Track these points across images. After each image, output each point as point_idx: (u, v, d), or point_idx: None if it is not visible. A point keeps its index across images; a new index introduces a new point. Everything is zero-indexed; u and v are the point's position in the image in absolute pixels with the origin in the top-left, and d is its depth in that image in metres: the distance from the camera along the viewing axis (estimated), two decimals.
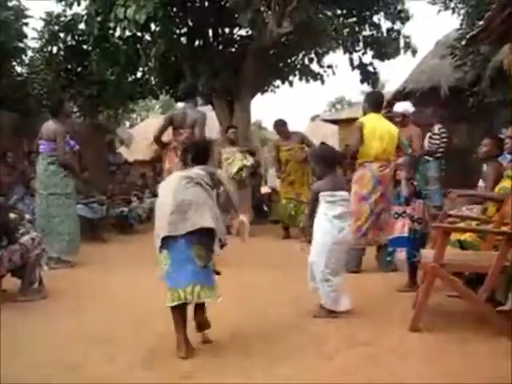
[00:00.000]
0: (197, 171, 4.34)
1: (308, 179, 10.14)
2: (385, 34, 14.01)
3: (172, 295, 4.04)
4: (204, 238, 4.09)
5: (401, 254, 5.96)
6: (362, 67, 14.46)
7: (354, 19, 14.07)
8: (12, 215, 6.71)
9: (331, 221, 5.05)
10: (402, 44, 13.98)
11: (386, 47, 13.91)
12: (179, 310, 4.07)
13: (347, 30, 13.96)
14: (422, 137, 9.43)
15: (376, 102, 7.28)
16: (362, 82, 14.66)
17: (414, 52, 13.98)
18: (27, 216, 8.59)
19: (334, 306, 5.04)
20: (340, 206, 5.11)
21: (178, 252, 4.06)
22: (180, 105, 10.22)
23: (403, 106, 8.38)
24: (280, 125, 10.38)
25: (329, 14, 13.62)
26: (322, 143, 15.14)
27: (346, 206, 5.20)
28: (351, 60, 14.49)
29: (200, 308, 4.30)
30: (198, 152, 4.69)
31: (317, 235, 5.10)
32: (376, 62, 14.58)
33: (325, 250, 5.02)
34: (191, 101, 7.85)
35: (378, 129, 6.96)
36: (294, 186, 10.16)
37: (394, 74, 59.53)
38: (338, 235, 5.05)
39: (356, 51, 14.41)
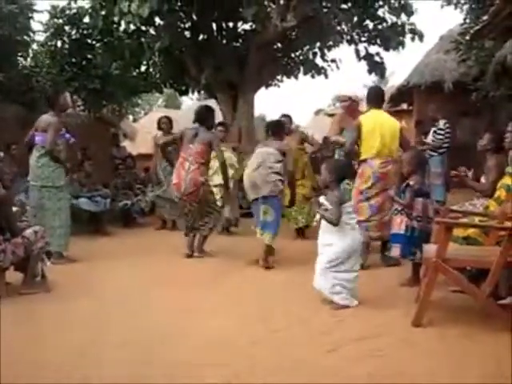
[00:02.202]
0: (271, 151, 7.20)
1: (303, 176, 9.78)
2: (389, 27, 13.88)
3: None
4: (269, 199, 7.08)
5: (395, 251, 5.92)
6: (368, 58, 14.34)
7: (359, 12, 13.96)
8: (15, 208, 6.72)
9: (354, 228, 5.33)
10: (408, 34, 13.74)
11: (390, 40, 13.79)
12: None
13: (351, 23, 13.85)
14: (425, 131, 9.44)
15: (375, 98, 7.16)
16: (370, 72, 14.52)
17: (421, 37, 13.73)
18: (29, 209, 8.59)
19: (353, 302, 5.26)
20: (354, 213, 5.49)
21: (256, 207, 7.24)
22: (184, 99, 10.25)
23: (352, 90, 8.18)
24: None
25: (333, 7, 13.52)
26: (325, 138, 15.15)
27: None
28: (357, 51, 14.38)
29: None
30: (276, 128, 7.57)
31: (343, 244, 5.23)
32: (382, 53, 14.45)
33: (355, 256, 5.30)
34: (205, 125, 7.84)
35: (378, 125, 6.85)
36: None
37: (399, 67, 59.28)
38: (361, 238, 5.50)
39: (361, 42, 14.31)
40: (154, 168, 11.14)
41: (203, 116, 7.91)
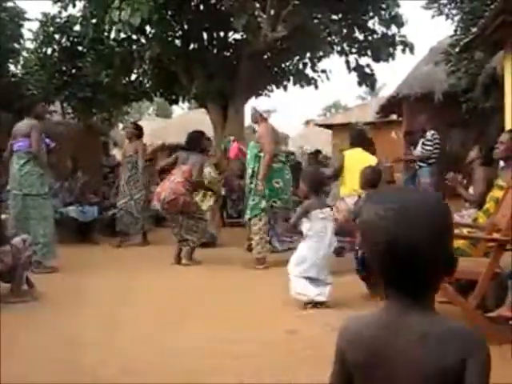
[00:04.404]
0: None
1: None
2: (380, 38, 13.90)
3: None
4: None
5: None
6: (358, 69, 14.36)
7: (349, 23, 14.01)
8: (3, 216, 6.67)
9: (332, 235, 5.52)
10: (399, 45, 13.77)
11: (381, 52, 13.81)
12: None
13: (341, 34, 13.89)
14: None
15: (355, 139, 8.02)
16: (360, 84, 14.54)
17: (412, 49, 13.77)
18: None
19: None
20: (331, 222, 5.62)
21: None
22: (175, 108, 10.33)
23: (257, 102, 8.73)
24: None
25: (323, 18, 13.56)
26: (318, 151, 15.23)
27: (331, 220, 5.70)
28: (347, 62, 14.40)
29: None
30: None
31: (304, 251, 5.47)
32: (372, 65, 14.47)
33: (325, 261, 5.49)
34: (196, 150, 8.44)
35: (358, 162, 7.15)
36: None
37: (390, 78, 59.52)
38: (329, 250, 5.56)
39: (352, 53, 14.33)
40: (117, 180, 10.84)
41: (193, 142, 8.55)
